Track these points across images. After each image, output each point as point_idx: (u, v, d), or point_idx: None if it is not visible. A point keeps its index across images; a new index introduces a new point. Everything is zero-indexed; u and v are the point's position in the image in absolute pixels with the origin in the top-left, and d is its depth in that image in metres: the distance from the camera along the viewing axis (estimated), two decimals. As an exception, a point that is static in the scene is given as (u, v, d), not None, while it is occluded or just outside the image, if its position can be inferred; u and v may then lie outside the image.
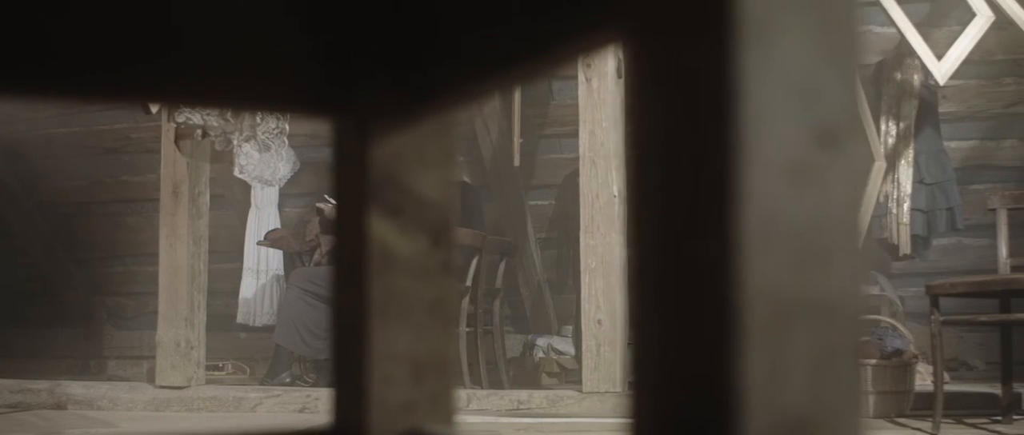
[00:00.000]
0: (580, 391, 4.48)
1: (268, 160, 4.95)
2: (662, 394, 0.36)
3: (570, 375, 5.65)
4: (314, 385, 5.31)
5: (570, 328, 6.02)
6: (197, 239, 4.94)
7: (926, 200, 5.47)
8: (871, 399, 4.16)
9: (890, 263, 5.99)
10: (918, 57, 4.71)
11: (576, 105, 4.61)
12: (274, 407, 4.65)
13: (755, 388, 0.34)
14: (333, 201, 0.69)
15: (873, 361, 4.17)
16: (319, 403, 4.54)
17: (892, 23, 4.68)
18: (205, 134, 4.64)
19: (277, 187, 6.37)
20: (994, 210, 4.09)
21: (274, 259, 6.40)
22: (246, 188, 6.42)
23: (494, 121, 5.98)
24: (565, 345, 5.87)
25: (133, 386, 5.13)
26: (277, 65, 0.67)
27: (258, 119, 4.34)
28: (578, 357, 5.06)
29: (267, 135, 4.58)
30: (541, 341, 5.92)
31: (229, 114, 4.29)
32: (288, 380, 5.38)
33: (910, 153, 5.41)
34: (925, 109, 5.46)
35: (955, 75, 4.79)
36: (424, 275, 0.64)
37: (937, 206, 5.48)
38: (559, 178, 6.42)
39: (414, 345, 0.64)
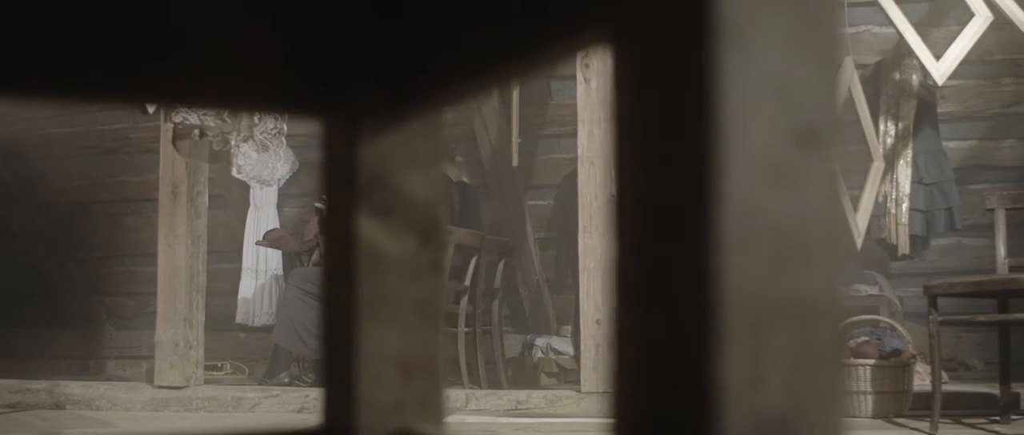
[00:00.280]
0: (579, 391, 4.48)
1: (266, 160, 4.96)
2: (642, 394, 0.36)
3: (569, 375, 5.65)
4: (313, 385, 5.31)
5: (569, 328, 6.02)
6: (196, 239, 4.94)
7: (925, 200, 5.47)
8: (869, 399, 4.16)
9: (889, 263, 5.99)
10: (917, 57, 4.71)
11: (575, 105, 4.61)
12: (273, 407, 4.65)
13: (734, 388, 0.34)
14: None
15: (872, 361, 4.17)
16: (318, 403, 4.53)
17: (891, 23, 4.68)
18: (202, 134, 4.64)
19: (276, 187, 6.38)
20: (992, 210, 4.09)
21: (273, 259, 6.40)
22: (245, 188, 6.42)
23: (493, 121, 5.98)
24: (564, 345, 5.87)
25: (132, 386, 5.13)
26: (267, 65, 0.67)
27: (256, 119, 4.34)
28: (577, 357, 5.06)
29: (265, 135, 4.58)
30: (540, 341, 5.92)
31: (226, 114, 4.29)
32: (287, 380, 5.38)
33: (909, 153, 5.41)
34: (924, 109, 5.46)
35: (954, 75, 4.79)
36: (413, 275, 0.64)
37: (936, 206, 5.48)
38: (558, 178, 6.42)
39: (403, 345, 0.64)
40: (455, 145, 5.88)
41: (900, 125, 5.40)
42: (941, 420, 3.72)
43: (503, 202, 6.33)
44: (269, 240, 5.96)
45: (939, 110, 5.65)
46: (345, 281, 0.64)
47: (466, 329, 5.31)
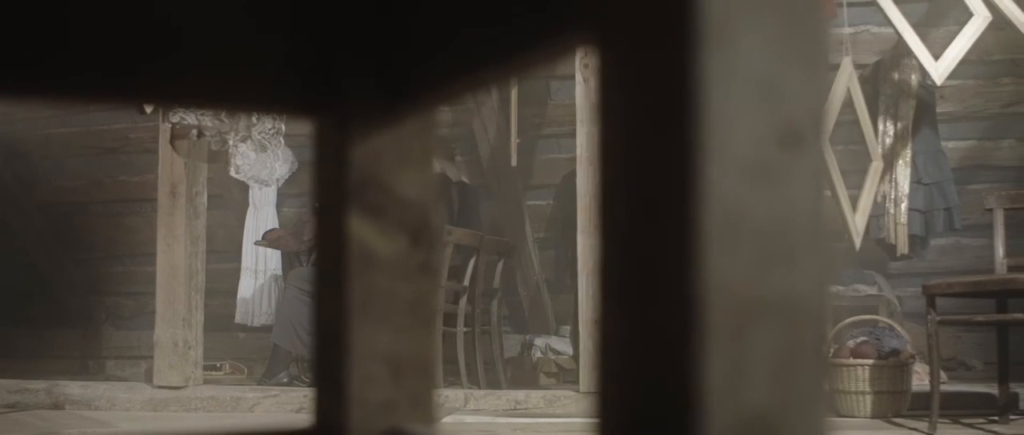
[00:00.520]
0: (578, 391, 4.48)
1: (264, 160, 4.96)
2: (626, 393, 0.36)
3: (568, 375, 5.65)
4: (311, 385, 5.30)
5: (568, 328, 6.02)
6: (194, 239, 4.94)
7: (924, 200, 5.47)
8: (868, 399, 4.16)
9: (888, 263, 5.99)
10: (915, 57, 4.71)
11: (574, 105, 4.61)
12: (272, 407, 4.65)
13: (716, 387, 0.34)
14: None
15: (870, 361, 4.17)
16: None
17: (889, 23, 4.68)
18: (200, 134, 4.64)
19: (275, 187, 6.38)
20: (991, 210, 4.09)
21: (272, 259, 6.40)
22: (244, 188, 6.43)
23: (492, 121, 5.98)
24: (563, 345, 5.87)
25: (131, 386, 5.13)
26: (259, 65, 0.67)
27: (254, 119, 4.34)
28: (576, 357, 5.06)
29: (263, 135, 4.58)
30: (539, 341, 5.93)
31: (223, 114, 4.29)
32: (286, 380, 5.38)
33: (908, 153, 5.41)
34: (923, 109, 5.46)
35: (953, 75, 4.79)
36: (404, 275, 0.64)
37: (935, 206, 5.48)
38: (557, 178, 6.42)
39: (394, 345, 0.64)
40: (454, 145, 5.88)
41: (899, 125, 5.40)
42: (940, 420, 3.72)
43: (502, 202, 6.34)
44: (268, 240, 5.96)
45: (938, 110, 5.65)
46: (336, 281, 0.64)
47: (465, 329, 5.31)
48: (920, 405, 3.98)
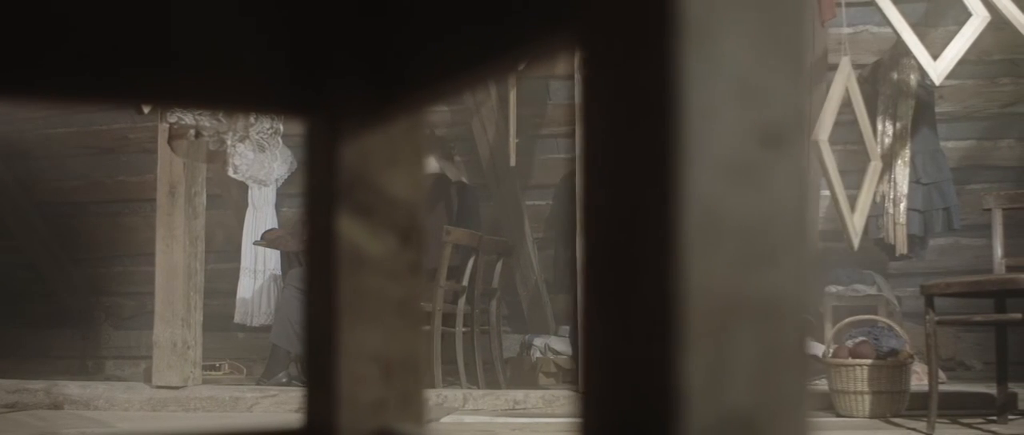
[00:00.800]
0: (577, 391, 4.47)
1: (262, 160, 4.96)
2: (608, 393, 0.36)
3: (567, 375, 5.65)
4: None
5: (567, 328, 6.02)
6: (193, 239, 4.94)
7: (923, 200, 5.47)
8: (867, 399, 4.16)
9: (887, 263, 5.99)
10: (914, 57, 4.71)
11: (573, 105, 4.61)
12: (270, 407, 4.65)
13: (698, 387, 0.34)
14: None
15: (869, 361, 4.17)
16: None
17: (888, 23, 4.68)
18: (198, 134, 4.64)
19: (274, 187, 6.37)
20: (990, 210, 4.09)
21: (271, 259, 6.40)
22: (243, 188, 6.43)
23: (491, 121, 5.98)
24: (562, 345, 5.87)
25: (130, 386, 5.13)
26: (250, 66, 0.67)
27: (252, 120, 4.34)
28: (575, 357, 5.06)
29: (261, 135, 4.59)
30: (538, 341, 5.92)
31: (221, 114, 4.29)
32: (285, 380, 5.38)
33: (907, 153, 5.41)
34: (922, 109, 5.46)
35: (952, 75, 4.79)
36: (394, 275, 0.64)
37: (934, 206, 5.48)
38: (556, 178, 6.42)
39: (384, 345, 0.64)
40: (454, 145, 5.88)
41: (898, 125, 5.40)
42: (938, 420, 3.72)
43: (501, 202, 6.34)
44: (267, 240, 5.96)
45: (937, 110, 5.65)
46: (326, 281, 0.64)
47: (464, 329, 5.31)
48: (919, 405, 3.98)
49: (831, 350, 4.37)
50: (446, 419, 4.24)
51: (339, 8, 0.64)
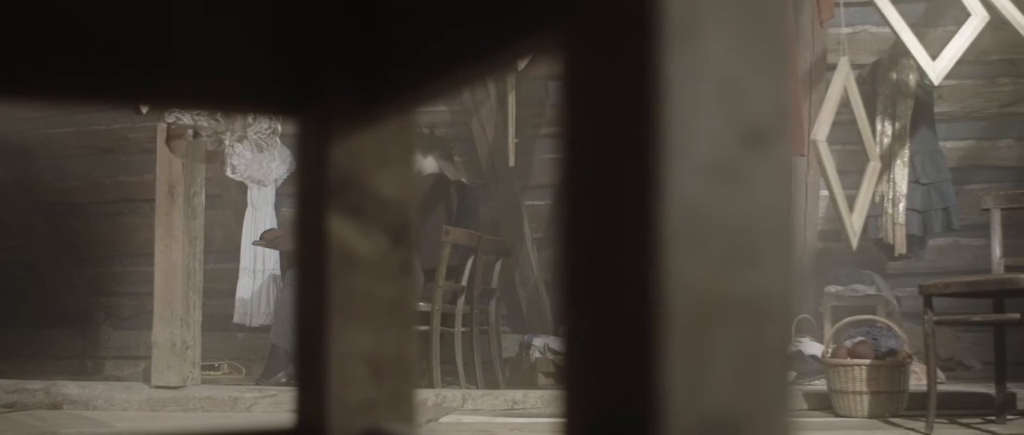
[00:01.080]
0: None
1: (261, 161, 4.96)
2: (590, 393, 0.36)
3: (566, 375, 5.64)
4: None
5: (566, 328, 6.00)
6: (192, 239, 4.94)
7: (922, 200, 5.47)
8: (865, 399, 4.16)
9: (886, 263, 5.99)
10: (913, 57, 4.71)
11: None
12: (269, 407, 4.65)
13: (678, 388, 0.34)
14: None
15: (868, 361, 4.17)
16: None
17: (887, 23, 4.68)
18: (196, 134, 4.64)
19: (273, 187, 6.37)
20: (989, 210, 4.09)
21: (270, 259, 6.40)
22: (242, 188, 6.43)
23: (490, 121, 5.99)
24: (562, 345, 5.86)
25: (129, 386, 5.13)
26: (242, 67, 0.67)
27: (250, 120, 4.34)
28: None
29: (259, 135, 4.59)
30: (538, 341, 5.92)
31: (219, 114, 4.29)
32: (284, 380, 5.38)
33: (906, 153, 5.41)
34: (921, 109, 5.46)
35: (951, 75, 4.79)
36: (385, 275, 0.64)
37: (933, 206, 5.49)
38: (555, 178, 6.41)
39: (375, 345, 0.64)
40: (454, 145, 5.88)
41: (897, 125, 5.41)
42: (937, 420, 3.72)
43: (500, 202, 6.34)
44: (266, 240, 5.96)
45: (936, 110, 5.65)
46: (316, 281, 0.64)
47: (463, 329, 5.31)
48: (918, 405, 3.98)
49: (830, 350, 4.37)
50: (445, 419, 4.24)
51: (327, 11, 0.64)
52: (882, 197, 5.43)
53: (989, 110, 5.93)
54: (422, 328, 5.03)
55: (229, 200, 6.72)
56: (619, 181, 0.35)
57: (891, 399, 4.18)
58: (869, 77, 5.52)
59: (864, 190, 4.97)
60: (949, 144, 5.86)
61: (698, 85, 0.35)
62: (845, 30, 5.00)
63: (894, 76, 5.42)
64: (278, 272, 6.30)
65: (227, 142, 4.73)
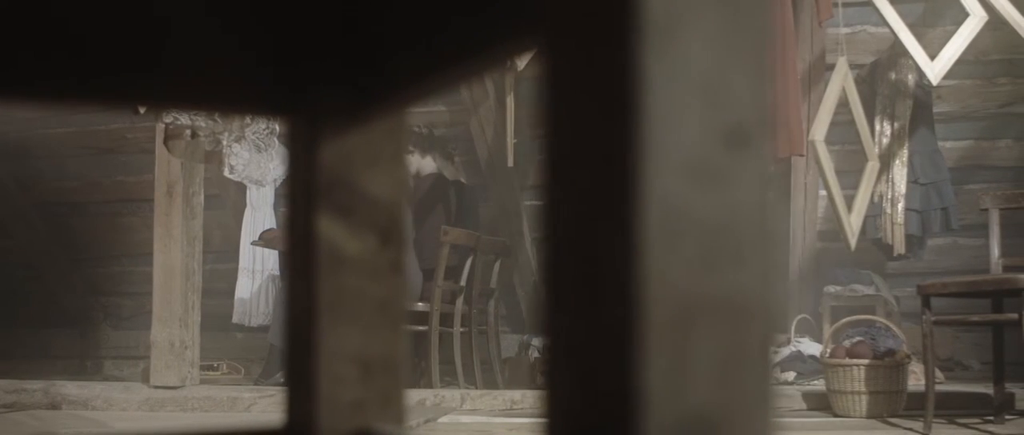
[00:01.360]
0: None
1: (259, 161, 4.96)
2: (571, 393, 0.36)
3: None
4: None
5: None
6: (191, 239, 4.94)
7: (921, 200, 5.47)
8: (864, 399, 4.16)
9: (885, 263, 5.99)
10: (912, 57, 4.71)
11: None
12: (268, 407, 4.65)
13: (658, 386, 0.34)
14: None
15: (866, 361, 4.17)
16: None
17: (885, 23, 4.68)
18: (194, 134, 4.64)
19: (272, 187, 6.37)
20: (987, 210, 4.09)
21: (269, 259, 6.40)
22: (241, 188, 6.43)
23: (489, 122, 5.99)
24: (560, 345, 5.86)
25: (127, 386, 5.13)
26: (233, 67, 0.67)
27: (248, 120, 4.34)
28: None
29: (257, 136, 4.59)
30: (537, 341, 5.92)
31: (216, 114, 4.29)
32: (282, 380, 5.36)
33: (904, 153, 5.41)
34: (920, 109, 5.46)
35: (950, 75, 4.79)
36: (374, 275, 0.64)
37: (932, 206, 5.49)
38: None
39: (364, 345, 0.64)
40: (453, 145, 5.88)
41: (896, 125, 5.41)
42: (935, 420, 3.72)
43: (499, 202, 6.34)
44: (265, 240, 5.96)
45: (935, 110, 5.65)
46: (306, 281, 0.64)
47: (462, 329, 5.30)
48: (916, 405, 3.98)
49: (828, 350, 4.37)
50: (443, 419, 4.24)
51: (314, 11, 0.64)
52: (881, 197, 5.43)
53: (988, 110, 5.93)
54: (421, 328, 5.03)
55: (228, 200, 6.72)
56: (599, 181, 0.35)
57: (889, 399, 4.18)
58: (868, 77, 5.52)
59: (863, 190, 4.97)
60: (948, 144, 5.86)
61: (678, 85, 0.35)
62: (844, 30, 5.00)
63: (893, 76, 5.42)
64: (277, 272, 6.30)
65: (225, 142, 4.73)
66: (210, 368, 6.08)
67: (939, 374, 4.63)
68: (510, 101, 5.47)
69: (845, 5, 4.92)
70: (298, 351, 0.66)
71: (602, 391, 0.35)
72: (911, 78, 5.38)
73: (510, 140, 5.43)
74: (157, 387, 4.87)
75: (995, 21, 4.63)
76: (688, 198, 0.35)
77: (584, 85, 0.36)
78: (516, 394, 4.60)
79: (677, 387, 0.34)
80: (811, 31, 5.42)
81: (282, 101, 0.68)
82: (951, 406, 4.13)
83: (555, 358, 0.37)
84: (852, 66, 4.99)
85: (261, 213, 6.47)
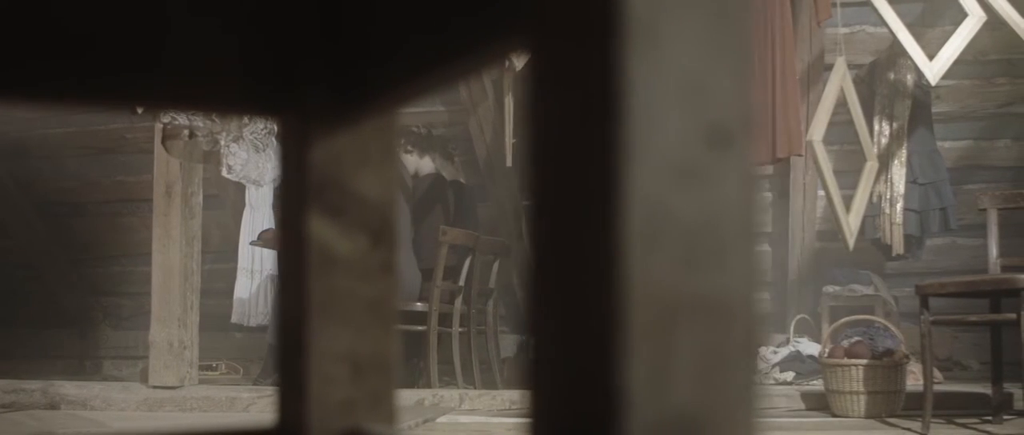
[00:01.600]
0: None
1: (257, 161, 4.96)
2: (554, 393, 0.36)
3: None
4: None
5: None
6: (190, 239, 4.94)
7: (919, 200, 5.47)
8: (862, 399, 4.16)
9: (884, 263, 5.99)
10: (911, 57, 4.71)
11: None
12: (267, 407, 4.65)
13: (640, 387, 0.34)
14: None
15: (864, 361, 4.17)
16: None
17: (884, 23, 4.68)
18: (192, 134, 4.64)
19: (271, 187, 6.37)
20: (985, 210, 4.09)
21: (268, 259, 6.40)
22: (240, 188, 6.43)
23: (488, 122, 5.99)
24: (559, 345, 5.86)
25: (126, 386, 5.13)
26: (224, 67, 0.67)
27: (246, 120, 4.34)
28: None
29: (255, 136, 4.59)
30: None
31: (214, 115, 4.29)
32: (281, 380, 5.38)
33: (903, 153, 5.41)
34: (918, 109, 5.46)
35: (948, 75, 4.79)
36: (364, 275, 0.64)
37: (930, 206, 5.49)
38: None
39: (355, 345, 0.64)
40: (453, 145, 5.88)
41: (895, 125, 5.41)
42: (934, 420, 3.72)
43: (498, 202, 6.34)
44: (264, 240, 5.96)
45: (934, 110, 5.66)
46: (297, 281, 0.64)
47: (461, 329, 5.30)
48: (915, 405, 3.98)
49: (827, 350, 4.37)
50: (442, 419, 4.24)
51: (303, 12, 0.64)
52: (880, 197, 5.43)
53: (987, 110, 5.94)
54: (419, 328, 5.03)
55: (227, 200, 6.72)
56: (582, 180, 0.35)
57: (888, 399, 4.18)
58: (867, 77, 5.52)
59: (861, 190, 4.97)
60: (947, 144, 5.86)
61: (661, 85, 0.35)
62: (842, 30, 5.00)
63: (892, 76, 5.42)
64: (276, 272, 6.29)
65: (223, 142, 4.73)
66: (209, 368, 6.09)
67: (937, 374, 4.63)
68: (509, 101, 5.47)
69: (843, 5, 4.92)
70: (290, 351, 0.66)
71: (585, 391, 0.35)
72: (910, 78, 5.38)
73: (509, 140, 5.43)
74: (156, 387, 4.87)
75: (994, 21, 4.63)
76: (671, 198, 0.35)
77: (567, 84, 0.36)
78: (515, 394, 4.60)
79: (660, 387, 0.34)
80: (810, 31, 5.42)
81: (274, 101, 0.68)
82: (949, 406, 4.13)
83: (538, 357, 0.37)
84: (851, 66, 4.99)
85: (260, 213, 6.48)
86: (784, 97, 4.51)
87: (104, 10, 0.63)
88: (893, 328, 4.46)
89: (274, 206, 6.46)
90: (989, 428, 3.81)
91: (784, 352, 5.43)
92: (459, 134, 6.13)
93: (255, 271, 6.44)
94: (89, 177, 7.01)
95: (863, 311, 5.21)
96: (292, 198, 0.65)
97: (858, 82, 5.19)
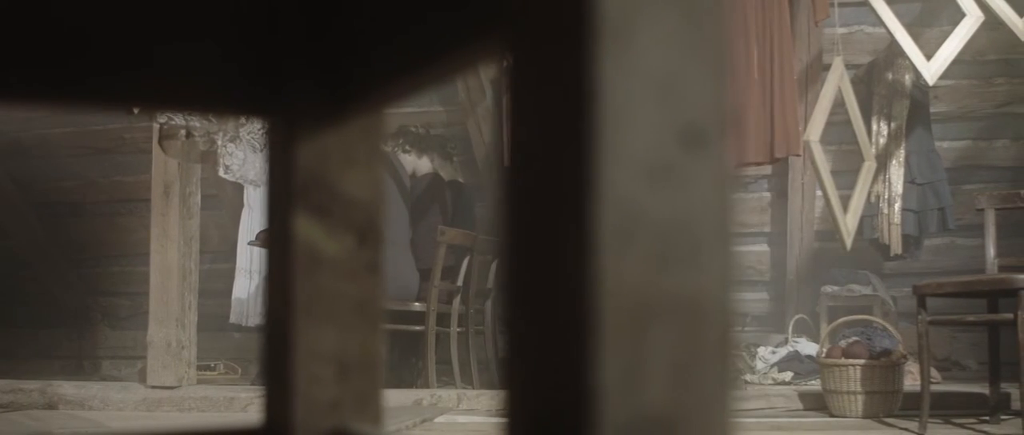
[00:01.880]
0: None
1: (254, 161, 4.96)
2: (528, 393, 0.36)
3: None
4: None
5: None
6: (188, 239, 4.94)
7: (917, 200, 5.47)
8: (859, 399, 4.16)
9: (882, 263, 5.99)
10: (909, 57, 4.71)
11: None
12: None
13: (612, 387, 0.34)
14: None
15: (862, 361, 4.17)
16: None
17: (882, 23, 4.68)
18: (189, 135, 4.64)
19: (269, 187, 6.37)
20: (983, 210, 4.09)
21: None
22: (239, 188, 6.43)
23: (487, 122, 5.99)
24: (557, 345, 5.86)
25: (124, 386, 5.13)
26: (211, 67, 0.67)
27: (242, 120, 4.34)
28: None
29: (252, 136, 4.59)
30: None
31: (207, 115, 4.29)
32: (280, 380, 5.37)
33: (901, 153, 5.41)
34: (916, 109, 5.46)
35: (947, 75, 4.79)
36: (351, 275, 0.64)
37: (928, 206, 5.49)
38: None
39: (341, 344, 0.64)
40: (452, 145, 5.88)
41: (893, 125, 5.41)
42: (931, 420, 3.72)
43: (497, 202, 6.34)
44: (262, 240, 5.95)
45: (932, 110, 5.66)
46: (283, 281, 0.64)
47: (459, 329, 5.30)
48: (913, 405, 3.98)
49: (824, 350, 4.37)
50: (440, 419, 4.24)
51: (288, 11, 0.65)
52: (878, 197, 5.44)
53: (985, 110, 5.94)
54: (418, 328, 5.03)
55: (225, 200, 6.72)
56: (555, 180, 0.35)
57: (885, 399, 4.18)
58: (865, 77, 5.52)
59: (859, 190, 4.97)
60: (945, 144, 5.86)
61: (634, 84, 0.35)
62: (840, 30, 5.01)
63: (890, 76, 5.42)
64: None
65: (220, 142, 4.73)
66: (207, 368, 6.09)
67: (935, 374, 4.63)
68: (507, 101, 5.47)
69: (841, 5, 4.92)
70: (276, 351, 0.66)
71: (558, 390, 0.35)
72: (908, 78, 5.38)
73: (507, 140, 5.42)
74: (154, 387, 4.87)
75: (992, 21, 4.63)
76: (644, 198, 0.35)
77: (542, 84, 0.36)
78: (512, 394, 4.60)
79: (633, 386, 0.34)
80: (808, 31, 5.43)
81: (261, 101, 0.68)
82: (947, 406, 4.14)
83: (513, 357, 0.37)
84: (849, 66, 4.99)
85: (258, 213, 6.48)
86: (782, 97, 4.51)
87: (91, 10, 0.63)
88: (891, 328, 4.46)
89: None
90: (986, 428, 3.81)
91: (782, 352, 5.43)
92: (457, 134, 6.14)
93: (253, 271, 6.44)
94: (87, 177, 7.01)
95: (861, 311, 5.21)
96: (279, 198, 0.66)
97: (856, 82, 5.19)
